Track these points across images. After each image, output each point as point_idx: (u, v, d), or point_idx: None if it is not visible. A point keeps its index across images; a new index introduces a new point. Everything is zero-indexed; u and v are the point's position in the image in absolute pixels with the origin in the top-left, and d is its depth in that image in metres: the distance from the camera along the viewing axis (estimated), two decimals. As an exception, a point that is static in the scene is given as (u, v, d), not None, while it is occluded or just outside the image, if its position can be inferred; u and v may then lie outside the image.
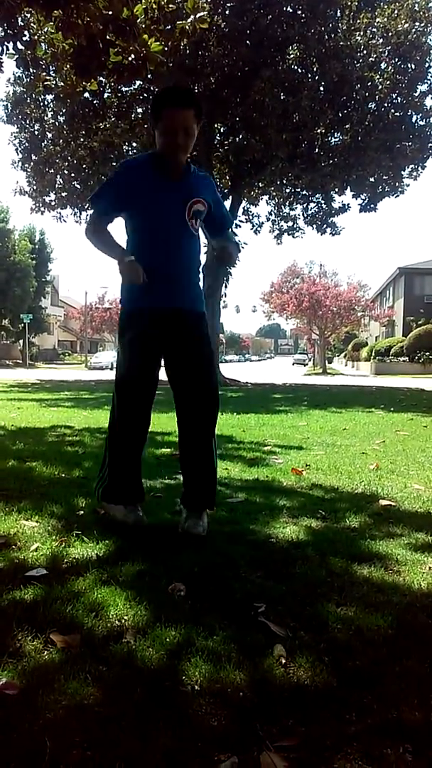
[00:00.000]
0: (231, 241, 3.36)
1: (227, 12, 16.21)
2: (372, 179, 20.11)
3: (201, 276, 3.25)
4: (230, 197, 21.49)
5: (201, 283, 3.22)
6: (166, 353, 3.10)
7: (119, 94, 17.84)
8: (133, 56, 5.69)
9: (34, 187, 21.07)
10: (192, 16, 5.76)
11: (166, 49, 5.95)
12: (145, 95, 18.09)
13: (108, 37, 5.53)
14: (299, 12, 16.46)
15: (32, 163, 20.29)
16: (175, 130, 2.85)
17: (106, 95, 17.53)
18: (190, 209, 2.99)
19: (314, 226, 22.79)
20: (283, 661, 1.80)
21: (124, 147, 19.50)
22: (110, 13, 5.41)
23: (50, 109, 19.23)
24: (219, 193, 3.26)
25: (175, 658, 1.80)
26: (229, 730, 1.49)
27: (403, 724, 1.52)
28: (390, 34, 17.25)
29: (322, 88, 17.47)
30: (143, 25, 5.76)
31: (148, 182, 2.98)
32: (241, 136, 18.27)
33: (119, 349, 3.16)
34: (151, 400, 3.18)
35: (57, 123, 19.31)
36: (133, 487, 3.20)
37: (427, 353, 36.64)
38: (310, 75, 17.45)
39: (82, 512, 3.33)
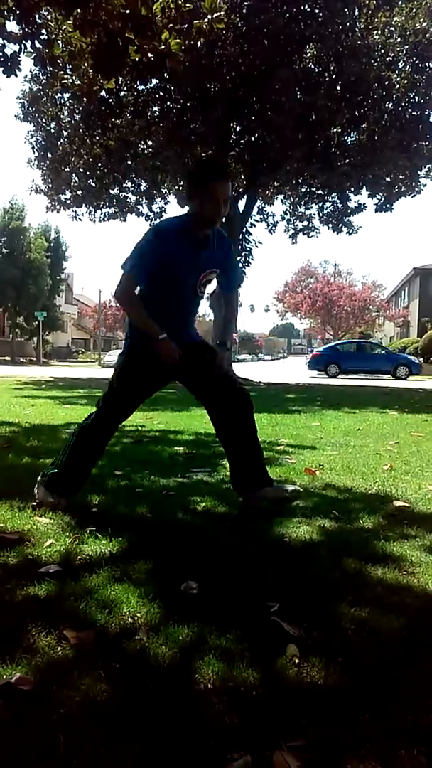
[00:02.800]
0: (231, 303, 3.78)
1: (244, 11, 16.18)
2: (388, 179, 20.01)
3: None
4: (245, 196, 21.49)
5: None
6: (182, 378, 3.42)
7: (135, 93, 17.87)
8: (151, 54, 5.70)
9: (50, 185, 21.17)
10: (209, 16, 5.77)
11: (183, 47, 5.95)
12: (161, 93, 18.11)
13: (127, 35, 5.54)
14: (317, 11, 16.41)
15: (48, 161, 20.37)
16: (221, 201, 3.06)
17: (122, 93, 17.56)
18: (203, 278, 3.26)
19: (330, 225, 22.73)
20: (297, 661, 1.79)
21: (139, 146, 19.53)
22: (129, 11, 5.42)
23: (66, 107, 19.28)
24: (231, 247, 3.46)
25: (187, 656, 1.80)
26: (242, 729, 1.48)
27: (418, 726, 1.51)
28: (408, 33, 17.15)
29: (339, 87, 17.41)
30: (161, 24, 5.77)
31: (178, 249, 3.14)
32: (257, 135, 18.25)
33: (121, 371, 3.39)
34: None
35: (73, 121, 19.36)
36: (80, 485, 3.46)
37: (442, 354, 36.44)
38: (327, 74, 17.39)
39: (95, 509, 3.34)
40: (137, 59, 5.76)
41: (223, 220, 3.15)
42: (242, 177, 21.52)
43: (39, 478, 3.46)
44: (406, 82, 17.56)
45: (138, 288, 3.20)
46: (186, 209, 3.25)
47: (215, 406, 3.43)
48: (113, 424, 3.49)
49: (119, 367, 3.36)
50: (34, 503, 3.36)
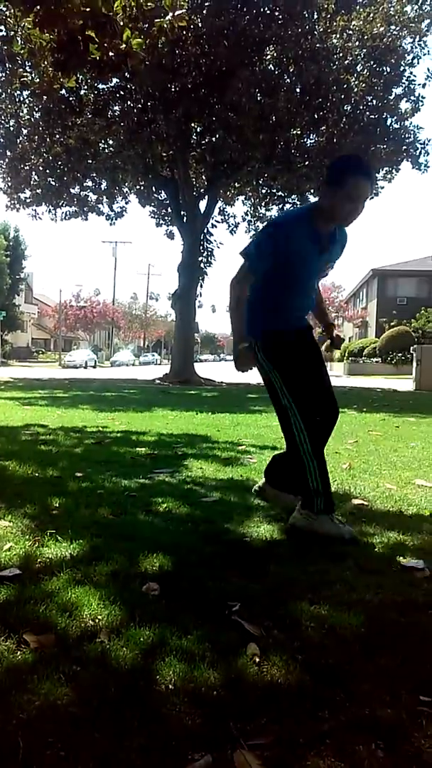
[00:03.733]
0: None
1: (205, 11, 16.22)
2: (347, 181, 20.23)
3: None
4: (206, 197, 21.51)
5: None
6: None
7: (96, 92, 17.76)
8: (112, 52, 5.66)
9: (9, 184, 20.90)
10: (170, 14, 5.75)
11: (144, 46, 5.93)
12: (122, 92, 18.03)
13: (88, 32, 5.49)
14: (276, 13, 16.54)
15: (7, 159, 20.12)
16: (361, 200, 2.94)
17: (82, 92, 17.44)
18: (323, 270, 3.31)
19: (290, 227, 22.86)
20: (257, 660, 1.81)
21: (100, 144, 19.41)
22: (88, 9, 5.38)
23: (26, 104, 19.06)
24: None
25: (149, 657, 1.80)
26: (204, 729, 1.49)
27: (376, 720, 1.54)
28: (366, 37, 17.40)
29: (298, 90, 17.59)
30: (122, 23, 5.74)
31: (302, 248, 3.05)
32: (218, 136, 18.31)
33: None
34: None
35: (33, 119, 19.17)
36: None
37: (400, 354, 36.95)
38: (286, 76, 17.55)
39: (56, 512, 3.31)
40: (98, 57, 5.72)
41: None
42: (203, 178, 21.56)
43: (304, 518, 3.08)
44: (364, 85, 17.82)
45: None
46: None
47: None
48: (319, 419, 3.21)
49: (276, 362, 3.18)
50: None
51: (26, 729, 1.46)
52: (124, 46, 5.66)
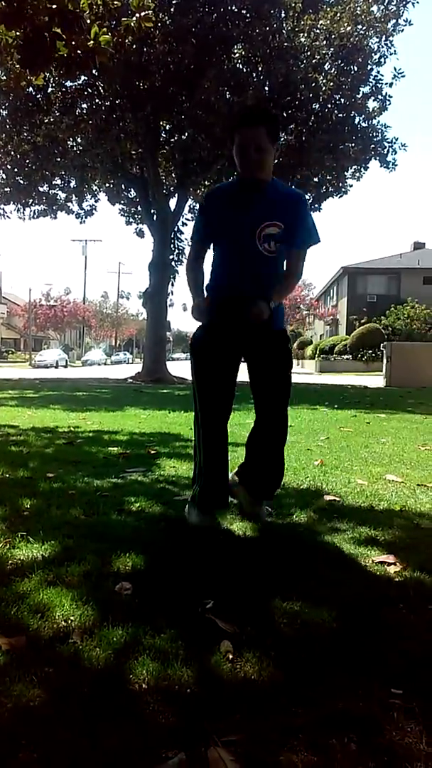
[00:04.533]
0: (300, 269, 3.23)
1: (172, 9, 16.19)
2: (316, 179, 20.40)
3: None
4: (176, 195, 21.47)
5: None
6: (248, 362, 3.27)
7: (63, 89, 17.61)
8: (80, 49, 5.62)
9: (-24, 183, 20.66)
10: (137, 14, 5.73)
11: (112, 43, 5.90)
12: (90, 90, 17.91)
13: (54, 29, 5.44)
14: (244, 11, 16.57)
15: (-26, 158, 19.87)
16: (248, 148, 2.90)
17: (50, 90, 17.28)
18: (261, 234, 2.99)
19: (260, 225, 22.93)
20: (230, 657, 1.81)
21: (68, 143, 19.26)
22: (54, 6, 5.34)
23: (-8, 102, 18.84)
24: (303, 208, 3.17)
25: (122, 657, 1.80)
26: (177, 727, 1.49)
27: (349, 715, 1.55)
28: (333, 36, 17.52)
29: (267, 88, 17.63)
30: (89, 20, 5.70)
31: (222, 212, 3.08)
32: (187, 134, 18.29)
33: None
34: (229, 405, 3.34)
35: (-1, 117, 18.96)
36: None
37: (370, 351, 37.30)
38: (255, 75, 17.60)
39: (27, 512, 3.28)
40: (65, 54, 5.67)
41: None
42: (173, 176, 21.50)
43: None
44: (332, 84, 17.93)
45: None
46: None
47: (257, 413, 3.34)
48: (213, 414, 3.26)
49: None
50: None
51: (-2, 732, 1.45)
52: (91, 42, 5.62)
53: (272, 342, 3.17)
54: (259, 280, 3.04)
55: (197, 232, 3.26)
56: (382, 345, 19.35)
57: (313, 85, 17.82)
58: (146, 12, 5.78)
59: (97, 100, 18.36)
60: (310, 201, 21.32)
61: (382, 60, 18.99)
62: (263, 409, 3.28)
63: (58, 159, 19.70)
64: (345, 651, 1.87)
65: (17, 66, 6.61)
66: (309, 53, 17.71)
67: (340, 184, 20.89)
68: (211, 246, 3.23)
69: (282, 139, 19.55)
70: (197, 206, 23.53)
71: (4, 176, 20.56)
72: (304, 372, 41.19)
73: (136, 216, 24.20)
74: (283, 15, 17.44)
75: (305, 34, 17.72)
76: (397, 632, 2.00)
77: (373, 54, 18.62)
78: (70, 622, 2.01)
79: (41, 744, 1.41)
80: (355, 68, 18.21)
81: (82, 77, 16.56)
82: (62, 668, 1.73)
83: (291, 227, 3.03)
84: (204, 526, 3.09)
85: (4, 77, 7.28)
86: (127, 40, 6.53)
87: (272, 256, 3.06)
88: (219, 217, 3.10)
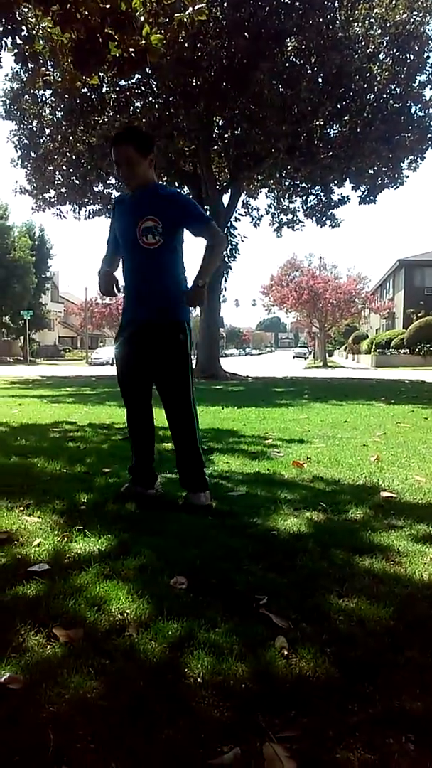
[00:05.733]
0: (212, 240, 3.51)
1: (225, 3, 16.15)
2: (371, 171, 20.07)
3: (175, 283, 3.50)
4: (229, 190, 21.44)
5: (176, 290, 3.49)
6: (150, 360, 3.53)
7: (117, 89, 17.79)
8: (133, 49, 5.66)
9: (34, 185, 21.06)
10: (190, 8, 5.73)
11: (165, 41, 5.91)
12: (143, 89, 18.05)
13: (107, 30, 5.49)
14: (297, 3, 16.40)
15: (31, 160, 20.28)
16: (120, 163, 3.39)
17: (104, 89, 17.48)
18: (140, 227, 3.35)
19: (314, 218, 22.78)
20: (285, 653, 1.80)
21: (122, 141, 19.42)
22: (108, 6, 5.38)
23: (48, 104, 19.19)
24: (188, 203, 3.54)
25: (177, 650, 1.81)
26: (232, 722, 1.49)
27: (405, 713, 1.52)
28: (388, 24, 17.19)
29: (320, 80, 17.43)
30: (142, 18, 5.73)
31: (118, 216, 3.55)
32: (240, 129, 18.24)
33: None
34: (146, 396, 3.65)
35: (55, 119, 19.28)
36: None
37: (428, 345, 36.61)
38: (308, 67, 17.39)
39: (84, 507, 3.33)
40: (117, 55, 5.72)
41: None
42: (226, 171, 21.48)
43: None
44: (387, 73, 17.61)
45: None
46: None
47: (166, 413, 3.59)
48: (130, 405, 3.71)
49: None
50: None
51: (56, 722, 1.48)
52: (143, 42, 5.65)
53: (164, 333, 3.44)
54: (143, 278, 3.45)
55: (110, 234, 3.65)
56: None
57: (368, 75, 17.53)
58: (200, 6, 5.76)
59: (150, 98, 18.49)
60: (365, 193, 21.02)
61: (440, 47, 18.53)
62: (164, 403, 3.58)
63: (113, 158, 19.92)
64: (401, 649, 1.84)
65: (71, 67, 6.70)
66: (363, 43, 17.42)
67: (396, 175, 20.49)
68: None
69: (336, 130, 19.36)
70: (249, 200, 23.57)
71: (60, 177, 20.90)
72: (360, 367, 40.71)
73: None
74: (337, 5, 17.19)
75: (359, 24, 17.44)
76: (456, 632, 1.95)
77: (430, 41, 18.18)
78: (125, 615, 2.04)
79: (97, 735, 1.44)
80: (411, 56, 17.82)
81: (136, 76, 16.69)
82: (118, 661, 1.75)
83: (182, 218, 3.41)
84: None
85: (60, 79, 7.38)
86: (180, 36, 6.55)
87: (152, 248, 3.37)
88: (117, 220, 3.56)
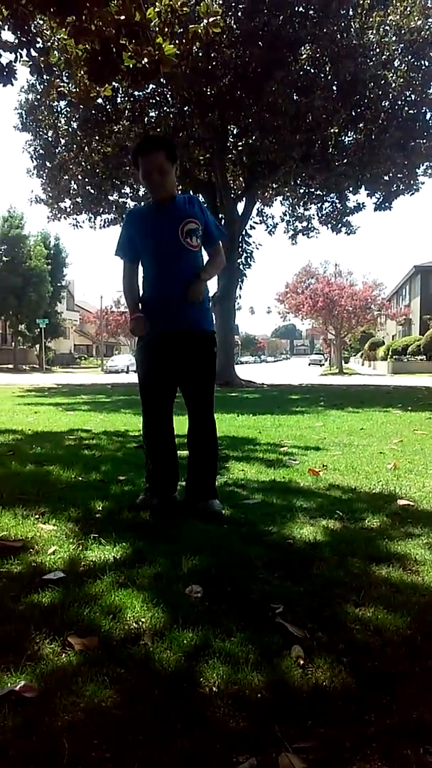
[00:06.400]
0: (212, 255, 3.58)
1: (239, 13, 16.21)
2: (386, 177, 20.03)
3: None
4: (244, 199, 21.48)
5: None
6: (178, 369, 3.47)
7: (132, 98, 17.90)
8: (146, 60, 5.69)
9: (50, 194, 21.24)
10: (205, 20, 5.76)
11: (178, 52, 5.95)
12: (158, 98, 18.14)
13: (121, 41, 5.54)
14: (311, 12, 16.42)
15: (47, 170, 20.45)
16: (151, 173, 3.29)
17: (119, 100, 17.60)
18: (183, 228, 3.32)
19: (329, 225, 22.77)
20: (301, 663, 1.79)
21: (137, 150, 19.53)
22: (123, 17, 5.42)
23: (63, 115, 19.36)
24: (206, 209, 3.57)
25: (192, 660, 1.80)
26: (248, 732, 1.48)
27: (423, 724, 1.51)
28: (403, 31, 17.17)
29: (335, 88, 17.42)
30: (156, 29, 5.77)
31: (140, 225, 3.45)
32: (254, 138, 18.25)
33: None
34: (170, 402, 3.55)
35: (70, 129, 19.44)
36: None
37: (445, 352, 36.40)
38: (322, 75, 17.40)
39: (99, 515, 3.34)
40: (131, 65, 5.76)
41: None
42: (241, 180, 21.52)
43: None
44: (402, 80, 17.57)
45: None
46: None
47: (190, 420, 3.54)
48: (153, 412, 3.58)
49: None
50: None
51: (71, 731, 1.47)
52: (157, 53, 5.69)
53: (197, 343, 3.41)
54: (181, 277, 3.35)
55: (122, 243, 3.53)
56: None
57: (383, 82, 17.50)
58: (214, 18, 5.79)
59: (164, 108, 18.58)
60: (381, 199, 20.99)
61: (455, 53, 18.47)
62: (191, 411, 3.51)
63: (127, 167, 20.02)
64: (419, 659, 1.82)
65: (86, 78, 6.75)
66: (378, 50, 17.41)
67: (412, 182, 20.43)
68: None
69: (351, 137, 19.34)
70: (264, 208, 23.60)
71: (75, 187, 21.06)
72: (376, 374, 40.53)
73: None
74: (351, 13, 17.21)
75: (374, 31, 17.42)
76: (474, 641, 1.93)
77: (445, 47, 18.14)
78: (141, 623, 2.03)
79: (113, 744, 1.43)
80: (426, 63, 17.78)
81: (150, 85, 16.79)
82: (133, 670, 1.75)
83: (204, 226, 3.44)
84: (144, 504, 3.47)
85: (75, 89, 7.44)
86: (194, 47, 6.58)
87: (196, 251, 3.39)
88: (137, 228, 3.44)
